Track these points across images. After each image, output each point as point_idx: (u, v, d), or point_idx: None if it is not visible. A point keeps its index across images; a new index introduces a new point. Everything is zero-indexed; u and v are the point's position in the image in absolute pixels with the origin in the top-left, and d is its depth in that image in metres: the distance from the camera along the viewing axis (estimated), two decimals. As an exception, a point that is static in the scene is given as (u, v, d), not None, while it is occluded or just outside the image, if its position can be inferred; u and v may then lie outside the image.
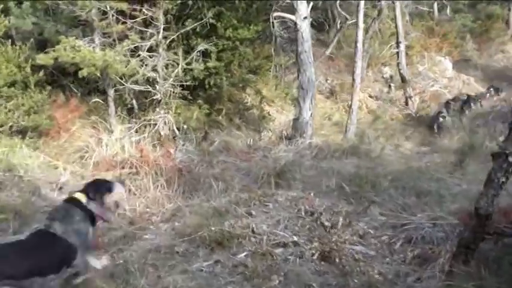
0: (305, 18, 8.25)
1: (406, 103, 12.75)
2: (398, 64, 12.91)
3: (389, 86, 13.77)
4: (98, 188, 3.30)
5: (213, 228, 4.38)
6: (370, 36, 14.59)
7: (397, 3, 12.67)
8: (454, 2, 20.21)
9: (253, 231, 4.43)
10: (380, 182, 5.82)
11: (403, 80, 12.83)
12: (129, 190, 5.65)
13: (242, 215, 4.79)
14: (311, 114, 8.44)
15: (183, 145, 7.53)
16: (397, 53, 12.90)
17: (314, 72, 8.48)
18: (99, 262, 3.30)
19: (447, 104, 11.58)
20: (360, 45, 9.56)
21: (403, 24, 13.31)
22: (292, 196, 5.33)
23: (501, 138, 4.33)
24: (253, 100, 9.62)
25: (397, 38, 12.86)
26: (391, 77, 14.70)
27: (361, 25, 9.57)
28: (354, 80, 9.63)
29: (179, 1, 7.56)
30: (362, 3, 9.52)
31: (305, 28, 8.27)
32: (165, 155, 6.66)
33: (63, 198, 3.53)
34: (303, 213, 4.85)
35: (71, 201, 3.24)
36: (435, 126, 10.61)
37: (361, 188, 5.63)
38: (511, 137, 3.35)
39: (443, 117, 10.75)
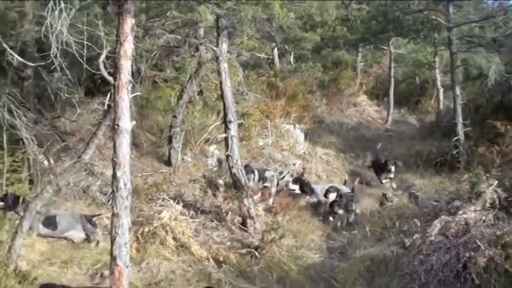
0: None
1: (244, 223, 7.53)
2: (228, 158, 7.64)
3: (217, 187, 8.48)
4: None
5: None
6: (185, 101, 9.42)
7: (222, 57, 7.47)
8: (297, 48, 16.24)
9: None
10: None
11: (237, 185, 7.57)
12: None
13: None
14: None
15: None
16: (226, 139, 7.63)
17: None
18: None
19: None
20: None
21: (234, 91, 8.14)
22: None
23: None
24: None
25: (225, 114, 7.63)
26: (220, 163, 9.54)
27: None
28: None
29: None
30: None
31: None
32: None
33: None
34: None
35: None
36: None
37: None
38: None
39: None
